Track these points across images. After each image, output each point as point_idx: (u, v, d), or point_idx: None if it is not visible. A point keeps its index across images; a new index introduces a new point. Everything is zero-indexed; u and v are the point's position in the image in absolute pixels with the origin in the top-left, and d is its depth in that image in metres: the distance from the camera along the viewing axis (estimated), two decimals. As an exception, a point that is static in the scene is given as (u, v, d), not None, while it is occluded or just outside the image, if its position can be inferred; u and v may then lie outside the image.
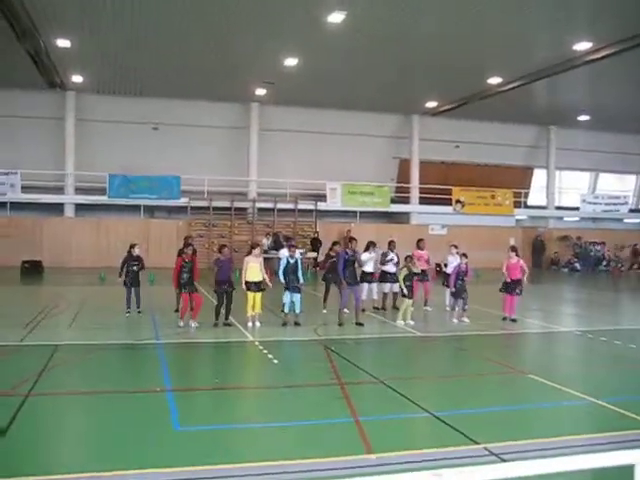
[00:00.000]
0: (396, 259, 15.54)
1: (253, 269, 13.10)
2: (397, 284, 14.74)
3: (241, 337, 12.23)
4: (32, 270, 24.83)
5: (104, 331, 12.43)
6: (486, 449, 6.09)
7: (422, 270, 15.76)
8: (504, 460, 5.70)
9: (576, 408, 7.93)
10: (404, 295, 13.96)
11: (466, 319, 14.36)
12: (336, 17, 18.33)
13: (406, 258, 14.30)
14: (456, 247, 16.16)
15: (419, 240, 16.72)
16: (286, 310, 13.60)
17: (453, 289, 14.56)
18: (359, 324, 13.57)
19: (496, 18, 18.46)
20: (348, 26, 19.06)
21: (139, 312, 14.46)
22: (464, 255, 14.67)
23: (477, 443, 6.24)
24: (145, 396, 8.00)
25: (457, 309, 14.59)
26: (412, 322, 13.85)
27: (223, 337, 12.31)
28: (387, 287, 15.90)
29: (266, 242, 25.67)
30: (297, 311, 13.53)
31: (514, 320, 14.43)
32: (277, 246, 24.31)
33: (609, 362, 10.88)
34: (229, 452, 6.05)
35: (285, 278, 13.38)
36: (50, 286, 22.03)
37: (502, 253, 15.23)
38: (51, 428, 6.78)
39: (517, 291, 14.45)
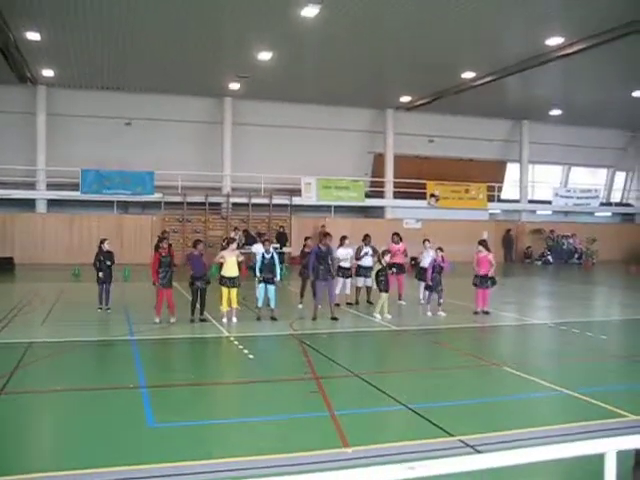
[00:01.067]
0: (371, 253, 15.54)
1: (229, 264, 13.05)
2: (371, 279, 14.77)
3: (216, 333, 12.17)
4: (3, 267, 24.43)
5: (78, 328, 12.31)
6: (461, 441, 6.13)
7: (399, 264, 15.84)
8: (479, 452, 5.75)
9: (549, 399, 8.03)
10: (381, 290, 14.02)
11: (442, 312, 14.45)
12: (309, 11, 18.25)
13: (382, 253, 14.32)
14: (429, 241, 16.19)
15: (394, 234, 16.75)
16: (259, 304, 13.56)
17: (430, 282, 14.63)
18: (334, 318, 13.56)
19: (469, 13, 18.51)
20: (322, 20, 19.00)
21: (108, 309, 14.33)
22: (439, 249, 14.74)
23: (452, 435, 6.29)
24: (119, 393, 7.93)
25: (433, 303, 14.67)
26: (389, 316, 13.87)
27: (198, 333, 12.25)
28: (361, 281, 15.88)
29: (238, 237, 25.55)
30: (272, 305, 13.50)
31: (487, 313, 14.56)
32: (248, 241, 24.26)
33: (581, 353, 11.03)
34: (204, 448, 6.01)
35: (261, 273, 13.36)
36: (22, 283, 21.70)
37: (476, 247, 15.29)
38: (23, 426, 6.67)
39: (488, 284, 14.59)
